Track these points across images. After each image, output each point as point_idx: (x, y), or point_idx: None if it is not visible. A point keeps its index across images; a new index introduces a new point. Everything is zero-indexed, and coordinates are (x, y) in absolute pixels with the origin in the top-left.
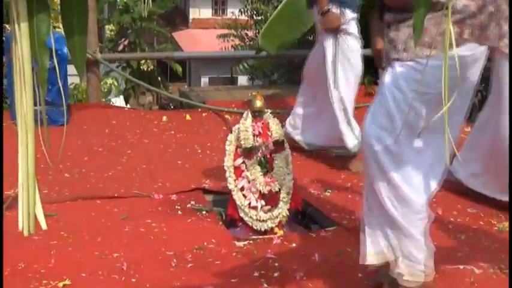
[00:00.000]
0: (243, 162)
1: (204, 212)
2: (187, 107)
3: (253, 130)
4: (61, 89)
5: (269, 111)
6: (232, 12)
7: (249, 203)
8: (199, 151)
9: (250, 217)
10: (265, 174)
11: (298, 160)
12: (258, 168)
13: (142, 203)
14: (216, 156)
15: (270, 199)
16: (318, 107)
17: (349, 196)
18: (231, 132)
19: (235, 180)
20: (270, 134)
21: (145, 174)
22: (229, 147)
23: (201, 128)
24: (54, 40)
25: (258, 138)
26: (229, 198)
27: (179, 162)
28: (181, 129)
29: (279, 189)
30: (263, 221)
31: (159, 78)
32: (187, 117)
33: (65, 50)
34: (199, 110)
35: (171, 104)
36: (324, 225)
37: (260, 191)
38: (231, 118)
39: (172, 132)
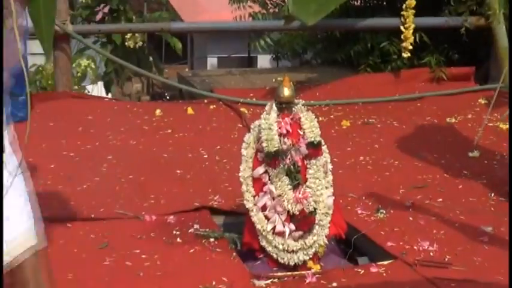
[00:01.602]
0: (266, 171)
1: (211, 240)
2: (188, 97)
3: (279, 128)
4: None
5: (301, 102)
6: None
7: (274, 228)
8: (206, 156)
9: (275, 247)
10: (295, 188)
11: (340, 168)
12: (286, 180)
13: (129, 226)
14: (228, 163)
15: (302, 222)
16: None
17: (410, 218)
18: (249, 131)
19: (254, 197)
20: (302, 133)
21: (133, 187)
22: (247, 152)
23: (207, 126)
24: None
25: (285, 140)
26: (245, 221)
27: (178, 171)
28: (181, 126)
29: (314, 209)
30: (292, 251)
31: (151, 58)
32: (189, 110)
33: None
34: (206, 101)
35: (166, 94)
36: (375, 258)
37: (288, 211)
38: (249, 112)
39: (169, 131)
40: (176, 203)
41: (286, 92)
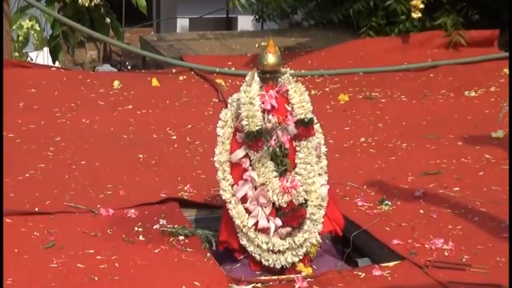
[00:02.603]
0: (246, 155)
1: (181, 238)
2: (154, 66)
3: (263, 103)
4: None
5: (289, 71)
6: None
7: (256, 223)
8: (174, 138)
9: (258, 246)
10: (282, 176)
11: (336, 151)
12: (271, 165)
13: (81, 222)
14: (201, 146)
15: (291, 217)
16: None
17: (421, 211)
18: (226, 107)
19: (232, 186)
20: (290, 109)
21: (86, 175)
22: (223, 132)
23: (176, 101)
24: None
25: (270, 117)
26: (222, 216)
27: (141, 156)
28: (145, 102)
29: (305, 201)
30: (279, 252)
31: (109, 19)
32: (154, 82)
33: None
34: (174, 70)
35: (127, 62)
36: (378, 259)
37: (274, 204)
38: (226, 84)
39: (130, 106)
40: (138, 194)
41: (271, 59)
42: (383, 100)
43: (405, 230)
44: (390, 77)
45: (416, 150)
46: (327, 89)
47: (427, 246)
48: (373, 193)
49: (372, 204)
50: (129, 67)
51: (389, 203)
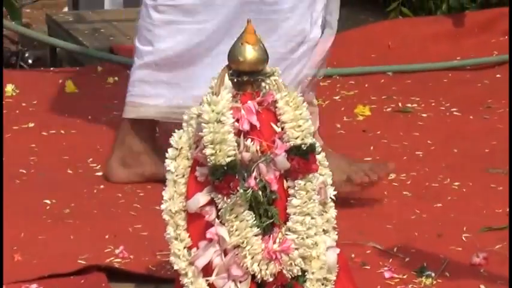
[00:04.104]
0: (211, 202)
1: None
2: (68, 61)
3: (237, 121)
4: None
5: (278, 71)
6: None
7: None
8: (99, 174)
9: None
10: (266, 233)
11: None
12: (249, 217)
13: None
14: (141, 186)
15: None
16: None
17: (482, 287)
18: (180, 127)
19: (189, 249)
20: (280, 129)
21: None
22: (175, 166)
23: (103, 115)
24: None
25: (248, 142)
26: None
27: (48, 202)
28: (54, 117)
29: (303, 273)
30: None
31: None
32: (69, 86)
33: None
34: (100, 68)
35: (27, 54)
36: None
37: (254, 277)
38: None
39: (31, 125)
40: (43, 260)
41: (250, 53)
42: (424, 115)
43: None
44: (435, 79)
45: (474, 193)
46: (337, 98)
47: None
48: (407, 259)
49: (405, 276)
50: (29, 61)
51: (433, 275)
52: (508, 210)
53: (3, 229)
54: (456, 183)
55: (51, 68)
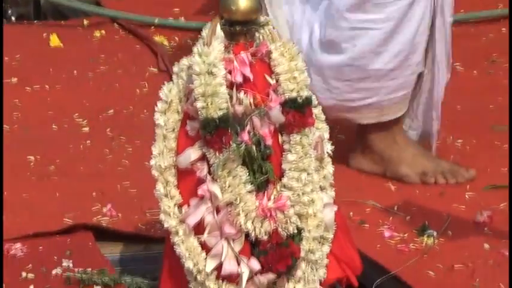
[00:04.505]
0: (202, 157)
1: None
2: (52, 14)
3: (230, 73)
4: None
5: (271, 21)
6: None
7: (219, 267)
8: (86, 129)
9: None
10: (260, 190)
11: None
12: (243, 173)
13: None
14: (129, 142)
15: (275, 256)
16: None
17: (486, 246)
18: (170, 80)
19: (180, 207)
20: (274, 82)
21: None
22: (165, 120)
23: (90, 70)
24: None
25: (241, 95)
26: (163, 255)
27: (31, 158)
28: (38, 73)
29: (299, 231)
30: None
31: None
32: (54, 40)
33: None
34: (86, 22)
35: (9, 10)
36: None
37: (248, 235)
38: (171, 44)
39: (14, 80)
40: (27, 219)
41: (243, 2)
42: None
43: (461, 276)
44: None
45: (478, 151)
46: None
47: None
48: (408, 217)
49: (406, 235)
50: (12, 19)
51: (435, 233)
52: None
53: None
54: (459, 141)
55: (35, 21)
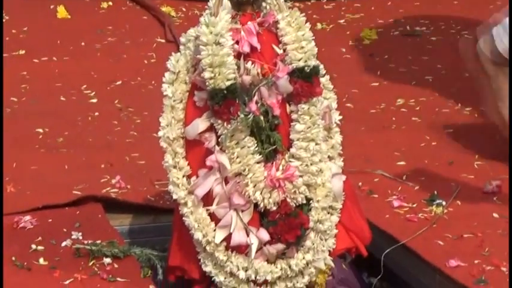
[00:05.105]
0: (210, 128)
1: (107, 261)
2: None
3: (237, 43)
4: None
5: None
6: None
7: (228, 238)
8: (95, 101)
9: (231, 274)
10: (269, 161)
11: (358, 122)
12: (251, 143)
13: None
14: (137, 113)
15: (284, 226)
16: None
17: (495, 215)
18: (178, 51)
19: (188, 178)
20: (281, 51)
21: None
22: (173, 91)
23: (97, 42)
24: None
25: (249, 65)
26: (172, 226)
27: (40, 130)
28: (46, 44)
29: (308, 201)
30: (266, 284)
31: None
32: (61, 12)
33: None
34: None
35: None
36: None
37: (257, 206)
38: (178, 15)
39: (22, 52)
40: (37, 191)
41: None
42: (433, 38)
43: (469, 245)
44: (445, 1)
45: (487, 119)
46: (342, 21)
47: (504, 269)
48: (417, 187)
49: (415, 205)
50: None
51: (444, 203)
52: None
53: None
54: (467, 109)
55: None
